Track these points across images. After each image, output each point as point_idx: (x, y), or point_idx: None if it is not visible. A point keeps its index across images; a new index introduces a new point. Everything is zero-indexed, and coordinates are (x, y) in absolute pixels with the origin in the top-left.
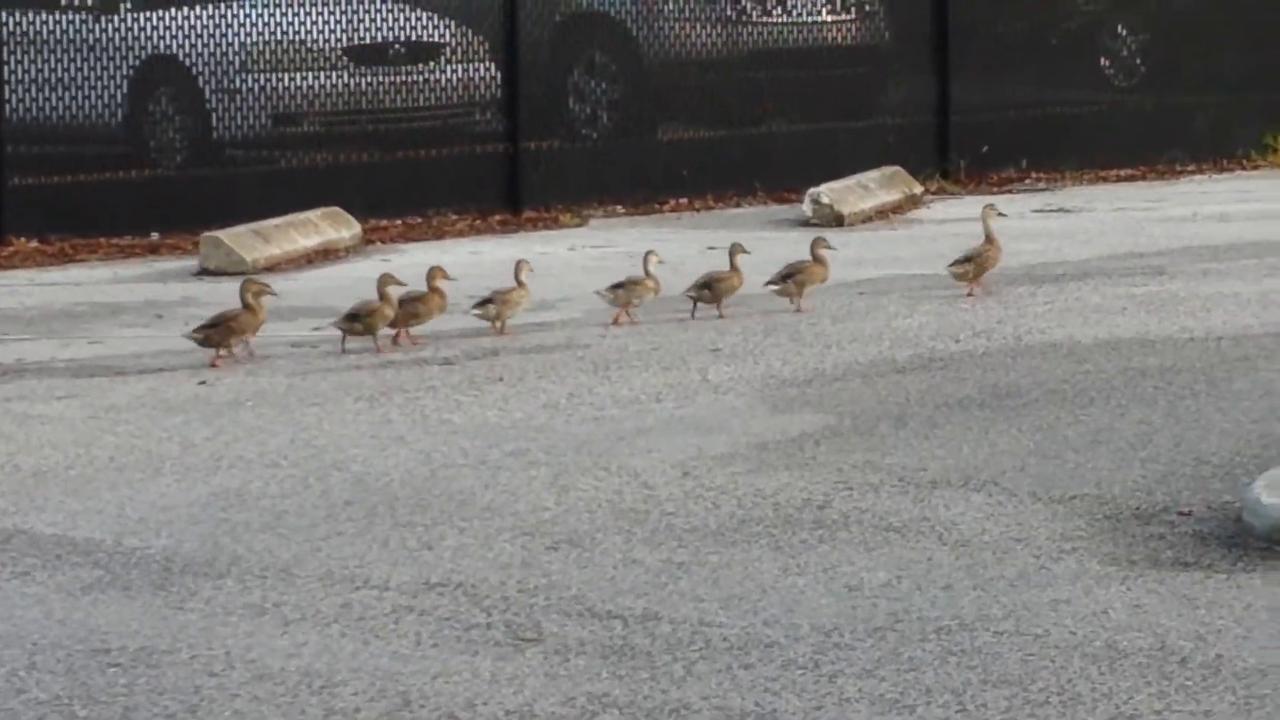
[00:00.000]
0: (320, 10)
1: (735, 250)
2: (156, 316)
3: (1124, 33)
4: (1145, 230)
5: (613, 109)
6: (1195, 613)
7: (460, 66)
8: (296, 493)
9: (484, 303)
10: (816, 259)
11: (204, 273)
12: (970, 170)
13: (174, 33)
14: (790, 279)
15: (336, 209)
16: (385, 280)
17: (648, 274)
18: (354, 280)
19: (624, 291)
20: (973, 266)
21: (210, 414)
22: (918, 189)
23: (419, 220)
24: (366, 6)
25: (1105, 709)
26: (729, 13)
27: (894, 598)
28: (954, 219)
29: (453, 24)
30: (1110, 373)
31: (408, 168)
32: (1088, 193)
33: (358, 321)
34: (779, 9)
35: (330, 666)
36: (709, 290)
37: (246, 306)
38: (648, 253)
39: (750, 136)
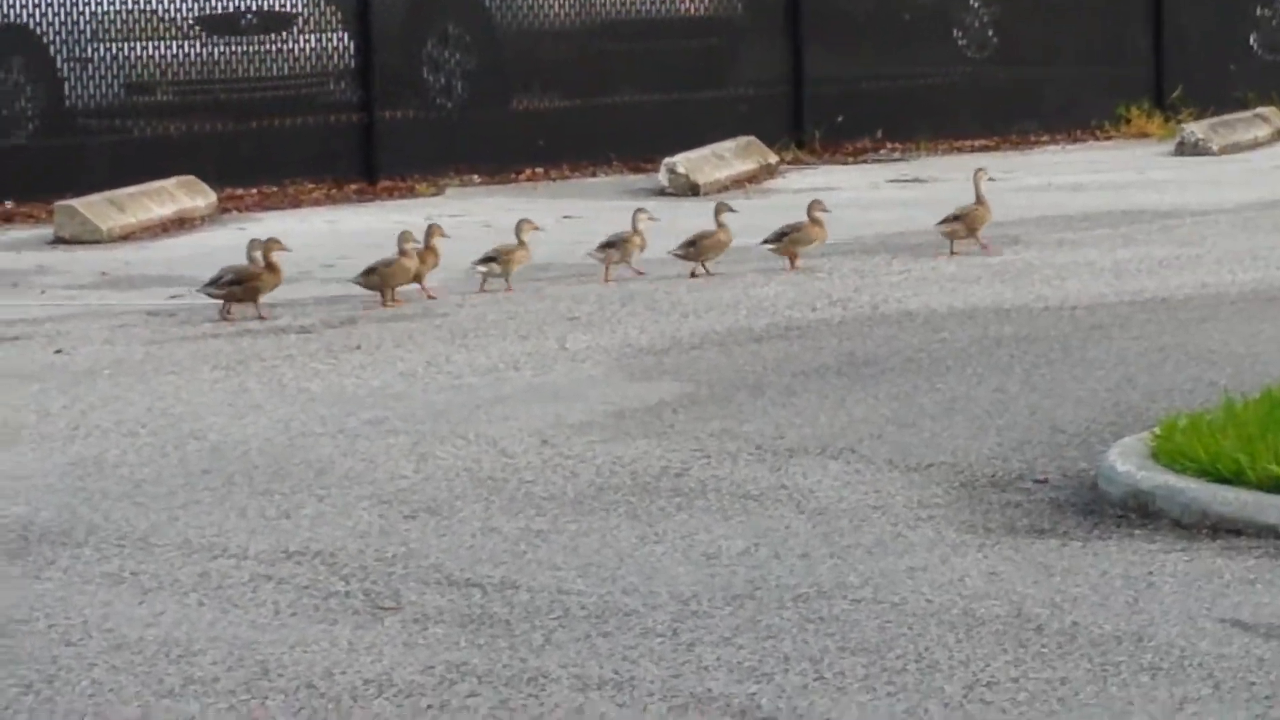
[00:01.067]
0: None
1: (720, 209)
2: (12, 285)
3: (976, 5)
4: (1000, 200)
5: (467, 79)
6: (1051, 580)
7: (314, 36)
8: (154, 461)
9: (487, 260)
10: (813, 220)
11: (58, 241)
12: (825, 140)
13: (25, 1)
14: (785, 238)
15: (192, 178)
16: (405, 237)
17: (636, 231)
18: (210, 249)
19: (615, 250)
20: (961, 225)
21: (67, 382)
22: (773, 159)
23: (275, 189)
24: None
25: (962, 676)
26: None
27: (752, 565)
28: (809, 188)
29: None
30: (966, 341)
31: (263, 137)
32: (942, 163)
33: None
34: None
35: (188, 635)
36: (694, 248)
37: (268, 265)
38: (637, 210)
39: (605, 106)
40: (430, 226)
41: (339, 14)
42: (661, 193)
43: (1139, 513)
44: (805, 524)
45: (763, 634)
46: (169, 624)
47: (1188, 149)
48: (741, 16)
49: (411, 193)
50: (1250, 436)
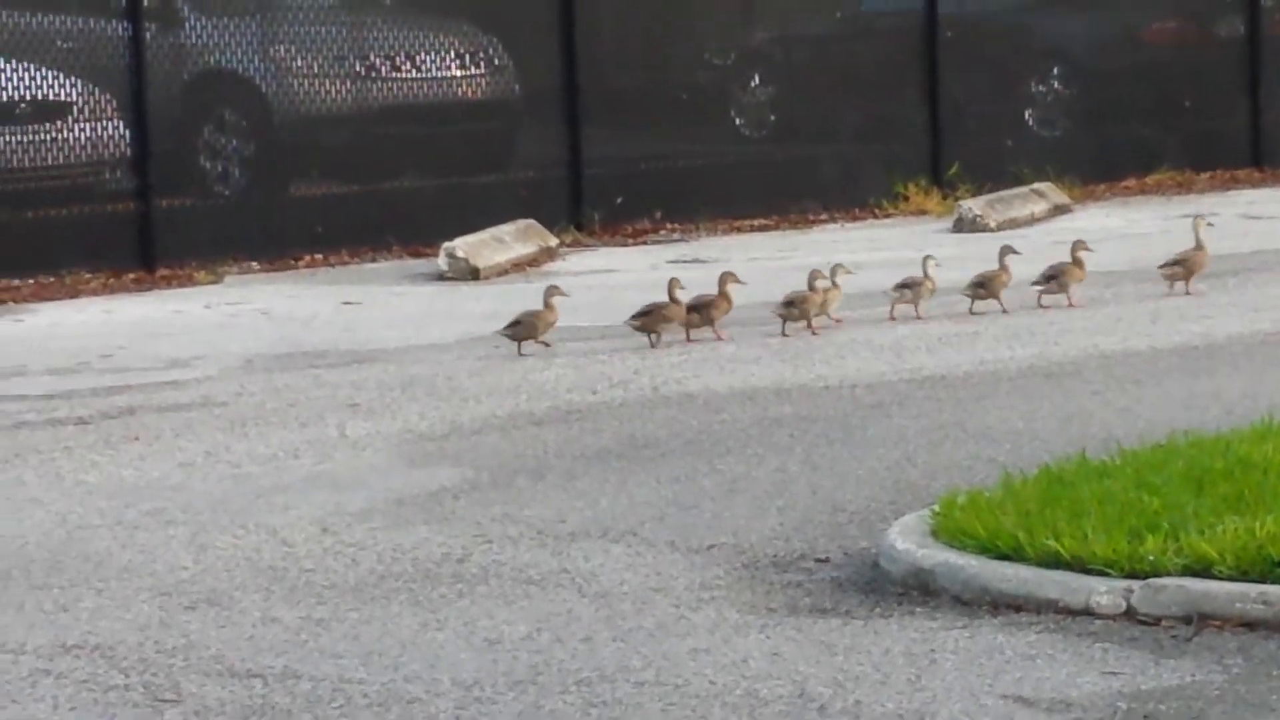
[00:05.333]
0: None
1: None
2: None
3: (754, 85)
4: (779, 279)
5: (244, 166)
6: (834, 659)
7: (89, 125)
8: None
9: (514, 324)
10: (819, 288)
11: None
12: (605, 222)
13: None
14: (794, 305)
15: None
16: (551, 292)
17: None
18: None
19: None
20: (1181, 269)
21: None
22: (553, 242)
23: (52, 280)
24: None
25: None
26: (359, 69)
27: (535, 650)
28: (589, 270)
29: (80, 82)
30: (746, 422)
31: (38, 226)
32: (722, 243)
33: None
34: (409, 65)
35: None
36: (519, 327)
37: (547, 305)
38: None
39: (384, 192)
40: (549, 287)
41: (114, 102)
42: (441, 277)
43: (920, 590)
44: (588, 608)
45: (546, 719)
46: None
47: (965, 225)
48: (519, 99)
49: (190, 281)
50: (1029, 513)
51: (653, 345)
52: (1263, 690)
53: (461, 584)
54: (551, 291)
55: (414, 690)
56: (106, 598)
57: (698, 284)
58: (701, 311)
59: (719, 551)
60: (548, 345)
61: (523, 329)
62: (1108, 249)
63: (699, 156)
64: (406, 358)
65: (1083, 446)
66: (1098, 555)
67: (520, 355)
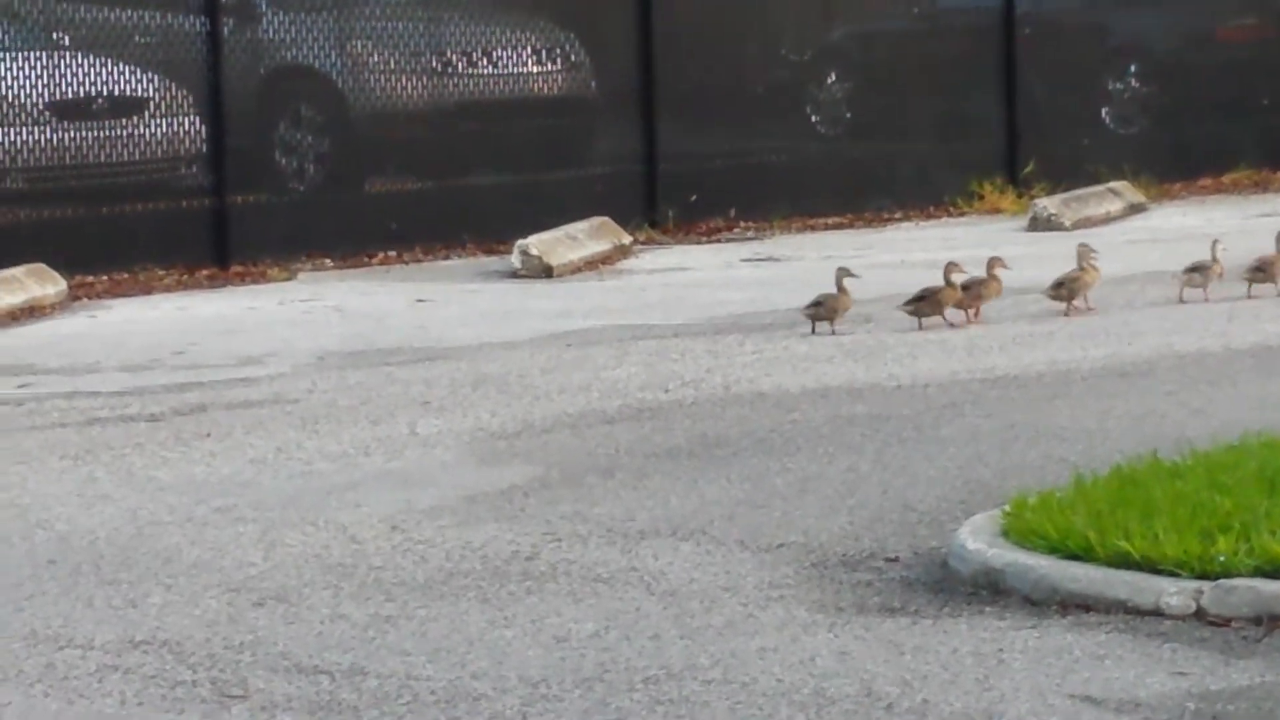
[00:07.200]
0: (22, 65)
1: (841, 274)
2: None
3: (830, 82)
4: (854, 279)
5: (320, 162)
6: (901, 658)
7: (165, 120)
8: (0, 552)
9: (815, 304)
10: (991, 276)
11: None
12: (679, 220)
13: None
14: (924, 300)
15: (41, 265)
16: (842, 274)
17: (841, 289)
18: (60, 337)
19: (823, 308)
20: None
21: None
22: (626, 239)
23: (126, 276)
24: (69, 60)
25: None
26: (435, 65)
27: (602, 648)
28: (662, 269)
29: (157, 78)
30: (818, 421)
31: (114, 223)
32: (796, 241)
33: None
34: (485, 61)
35: None
36: (821, 307)
37: (841, 289)
38: (839, 268)
39: (458, 188)
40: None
41: (190, 98)
42: (514, 275)
43: (989, 590)
44: (656, 606)
45: (612, 716)
46: (14, 715)
47: (1040, 224)
48: (595, 96)
49: (264, 277)
50: (1099, 513)
51: (921, 329)
52: None
53: (530, 581)
54: (842, 274)
55: (481, 687)
56: (175, 593)
57: (770, 282)
58: (970, 291)
59: (788, 550)
60: (834, 332)
61: (823, 310)
62: (1183, 248)
63: (774, 154)
64: (479, 355)
65: (1155, 447)
66: (1168, 556)
67: (814, 334)
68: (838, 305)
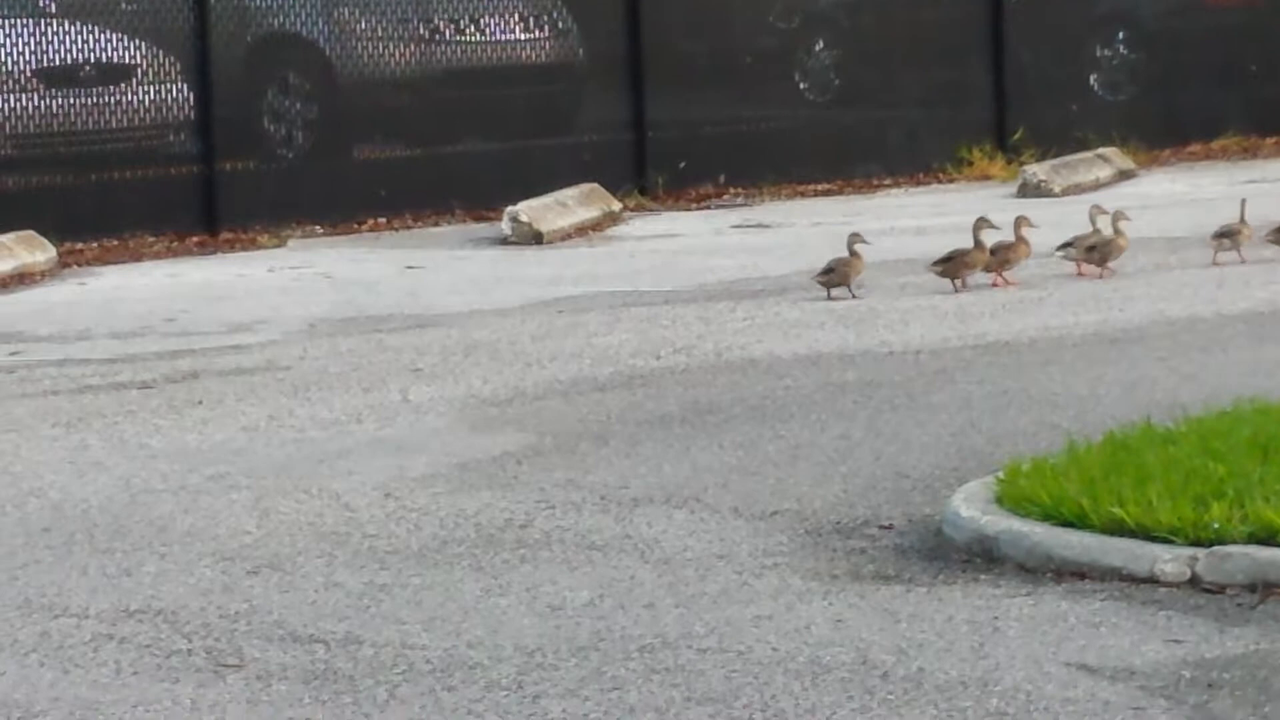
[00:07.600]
0: (9, 32)
1: (853, 239)
2: None
3: (818, 49)
4: (842, 245)
5: (308, 129)
6: (897, 626)
7: (153, 87)
8: None
9: (828, 271)
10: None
11: None
12: (668, 186)
13: None
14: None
15: (31, 233)
16: (854, 239)
17: (853, 253)
18: (50, 304)
19: (835, 274)
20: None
21: None
22: (616, 206)
23: (116, 243)
24: (56, 28)
25: None
26: (422, 32)
27: (597, 616)
28: (652, 234)
29: (144, 45)
30: (810, 388)
31: (102, 190)
32: (786, 208)
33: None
34: (473, 28)
35: (29, 696)
36: (834, 273)
37: (853, 253)
38: (851, 234)
39: (447, 155)
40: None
41: (178, 65)
42: (504, 242)
43: (984, 557)
44: (650, 574)
45: (608, 685)
46: (9, 685)
47: (1030, 190)
48: (583, 63)
49: (253, 244)
50: (1093, 480)
51: (956, 290)
52: None
53: (524, 549)
54: (854, 239)
55: (476, 656)
56: (169, 562)
57: (760, 249)
58: (998, 254)
59: (782, 518)
60: (854, 296)
61: (835, 276)
62: (1172, 215)
63: (763, 120)
64: (469, 322)
65: (1148, 413)
66: (1162, 523)
67: (830, 299)
68: (850, 270)
